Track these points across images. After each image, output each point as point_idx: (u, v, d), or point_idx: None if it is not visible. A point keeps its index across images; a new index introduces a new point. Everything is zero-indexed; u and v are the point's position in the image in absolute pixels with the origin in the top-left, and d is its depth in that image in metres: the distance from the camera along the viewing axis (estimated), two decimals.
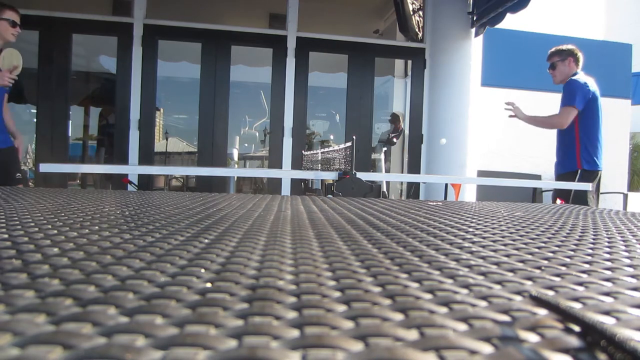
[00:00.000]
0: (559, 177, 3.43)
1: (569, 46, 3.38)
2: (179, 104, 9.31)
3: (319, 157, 4.58)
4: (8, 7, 2.94)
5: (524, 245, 0.55)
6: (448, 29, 5.41)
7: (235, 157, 8.97)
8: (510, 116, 3.46)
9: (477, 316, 0.27)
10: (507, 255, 0.48)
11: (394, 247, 0.50)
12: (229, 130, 5.55)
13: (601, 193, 3.54)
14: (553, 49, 3.43)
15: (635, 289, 0.35)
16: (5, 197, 1.04)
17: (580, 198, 3.11)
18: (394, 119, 6.79)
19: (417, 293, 0.32)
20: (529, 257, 0.48)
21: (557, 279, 0.38)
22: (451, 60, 5.39)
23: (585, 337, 0.23)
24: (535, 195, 4.25)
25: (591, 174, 3.27)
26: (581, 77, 3.31)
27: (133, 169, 4.63)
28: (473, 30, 5.34)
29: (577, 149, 3.29)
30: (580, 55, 3.37)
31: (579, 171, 3.28)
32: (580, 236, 0.66)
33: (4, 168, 2.96)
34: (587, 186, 3.07)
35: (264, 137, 9.02)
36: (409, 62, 6.00)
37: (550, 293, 0.33)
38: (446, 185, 3.71)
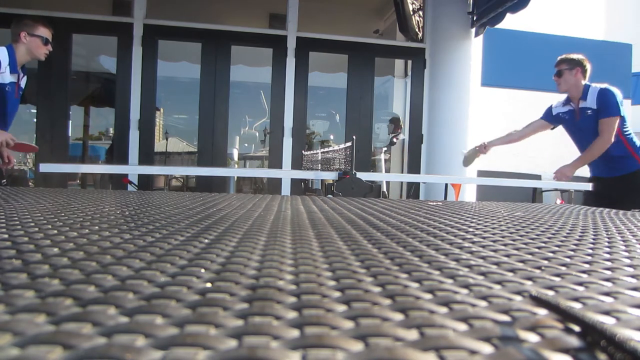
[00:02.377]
0: (614, 178, 3.02)
1: (579, 56, 3.14)
2: (179, 104, 9.29)
3: (319, 157, 4.58)
4: (42, 23, 2.80)
5: (524, 245, 0.55)
6: (448, 29, 5.41)
7: (235, 157, 8.96)
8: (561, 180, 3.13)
9: (477, 316, 0.27)
10: (507, 255, 0.48)
11: (394, 247, 0.50)
12: (229, 130, 5.54)
13: None
14: (562, 56, 3.18)
15: (635, 289, 0.35)
16: (5, 197, 1.04)
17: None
18: (395, 121, 6.80)
19: (417, 293, 0.32)
20: (529, 257, 0.48)
21: (557, 279, 0.38)
22: (451, 60, 5.39)
23: (585, 337, 0.23)
24: (535, 195, 4.25)
25: None
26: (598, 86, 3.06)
27: (133, 169, 4.64)
28: (473, 30, 5.34)
29: (631, 151, 2.99)
30: (588, 67, 3.15)
31: None
32: (580, 236, 0.66)
33: None
34: (587, 186, 3.06)
35: (264, 137, 9.02)
36: (409, 62, 6.00)
37: (550, 293, 0.33)
38: (446, 185, 3.71)
